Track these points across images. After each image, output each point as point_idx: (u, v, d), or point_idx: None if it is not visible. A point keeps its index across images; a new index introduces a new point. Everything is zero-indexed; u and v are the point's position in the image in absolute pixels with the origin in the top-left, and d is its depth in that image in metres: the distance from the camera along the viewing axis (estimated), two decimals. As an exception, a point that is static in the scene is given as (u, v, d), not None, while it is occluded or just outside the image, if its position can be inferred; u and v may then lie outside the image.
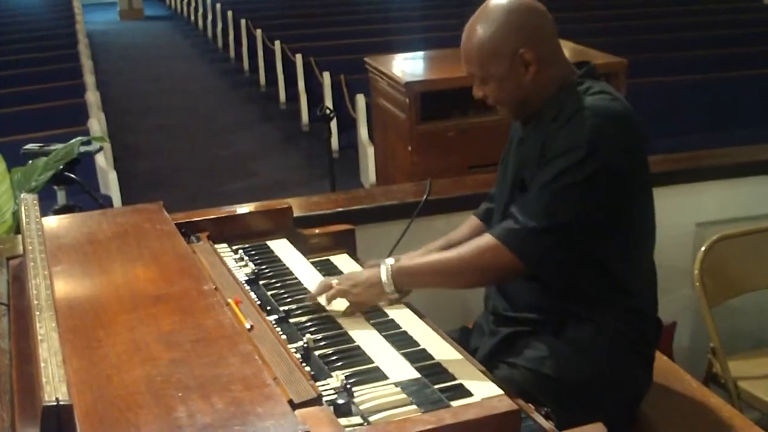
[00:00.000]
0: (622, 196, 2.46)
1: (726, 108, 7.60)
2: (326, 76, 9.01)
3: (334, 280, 2.61)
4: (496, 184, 2.85)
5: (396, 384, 2.14)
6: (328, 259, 3.08)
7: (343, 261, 3.05)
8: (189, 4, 19.56)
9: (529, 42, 2.53)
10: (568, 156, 2.41)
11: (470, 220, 3.03)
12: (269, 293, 2.69)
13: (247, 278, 2.75)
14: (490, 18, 2.55)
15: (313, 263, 2.95)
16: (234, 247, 3.00)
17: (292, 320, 2.50)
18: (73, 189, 4.10)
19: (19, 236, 2.84)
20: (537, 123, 2.60)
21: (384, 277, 2.55)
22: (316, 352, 2.30)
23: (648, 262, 2.64)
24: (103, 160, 6.60)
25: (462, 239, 2.82)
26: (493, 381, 2.20)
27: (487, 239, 2.50)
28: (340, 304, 2.58)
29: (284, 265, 2.91)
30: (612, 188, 2.43)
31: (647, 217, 2.60)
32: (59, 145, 4.10)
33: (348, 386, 2.10)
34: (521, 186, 2.58)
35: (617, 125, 2.44)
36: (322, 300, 2.59)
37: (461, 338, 2.70)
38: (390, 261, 2.59)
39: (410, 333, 2.47)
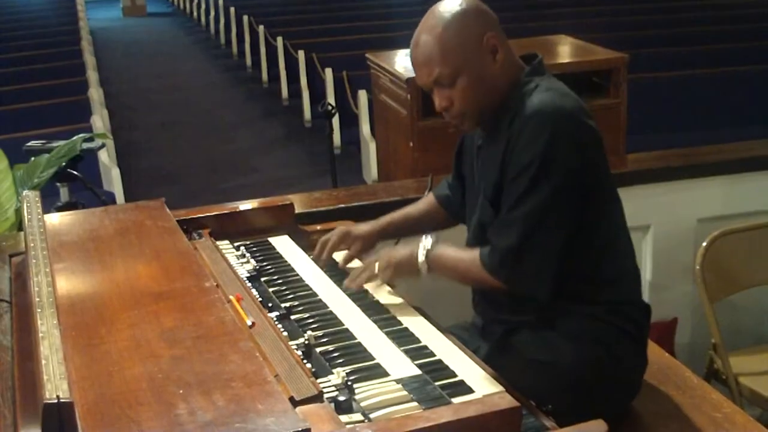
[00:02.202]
0: (588, 194, 2.46)
1: (728, 103, 7.59)
2: (328, 73, 9.01)
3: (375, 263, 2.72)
4: (466, 192, 2.83)
5: (397, 381, 2.14)
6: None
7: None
8: (191, 0, 19.55)
9: (491, 27, 2.49)
10: (528, 172, 2.40)
11: (427, 200, 3.06)
12: (271, 290, 2.69)
13: (248, 275, 2.76)
14: (444, 17, 2.47)
15: (314, 260, 2.95)
16: (236, 244, 3.01)
17: (293, 317, 2.50)
18: (76, 186, 4.10)
19: (22, 233, 2.84)
20: (493, 129, 2.57)
21: (421, 258, 2.63)
22: (318, 349, 2.31)
23: (623, 250, 2.63)
24: (105, 157, 6.61)
25: (420, 216, 3.03)
26: (495, 377, 2.21)
27: (479, 263, 2.53)
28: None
29: (286, 261, 2.92)
30: (577, 189, 2.43)
31: (614, 206, 2.60)
32: (62, 142, 4.10)
33: (349, 383, 2.10)
34: (490, 199, 2.57)
35: (567, 125, 2.41)
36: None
37: (462, 334, 2.71)
38: (430, 242, 2.65)
39: (411, 329, 2.48)
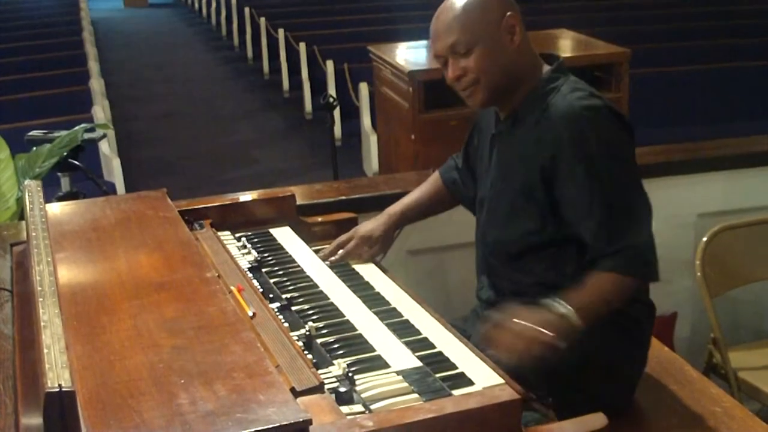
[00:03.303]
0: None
1: (729, 99, 7.59)
2: (329, 65, 9.00)
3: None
4: (478, 178, 2.84)
5: (398, 372, 2.14)
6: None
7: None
8: (193, -9, 19.57)
9: (511, 8, 2.57)
10: (590, 178, 2.43)
11: (435, 182, 3.08)
12: (272, 281, 2.70)
13: (249, 266, 2.76)
14: None
15: (315, 251, 2.96)
16: (237, 235, 3.01)
17: (294, 308, 2.51)
18: (77, 176, 4.10)
19: (23, 222, 2.84)
20: (515, 121, 2.61)
21: (574, 319, 2.37)
22: (318, 340, 2.31)
23: None
24: (106, 147, 6.61)
25: (429, 200, 3.06)
26: (495, 370, 2.21)
27: (609, 275, 2.43)
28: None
29: (287, 253, 2.92)
30: (634, 171, 2.53)
31: None
32: (63, 132, 4.10)
33: (350, 374, 2.10)
34: (526, 194, 2.57)
35: (608, 120, 2.48)
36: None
37: (462, 325, 2.71)
38: (566, 306, 2.38)
39: (412, 321, 2.47)
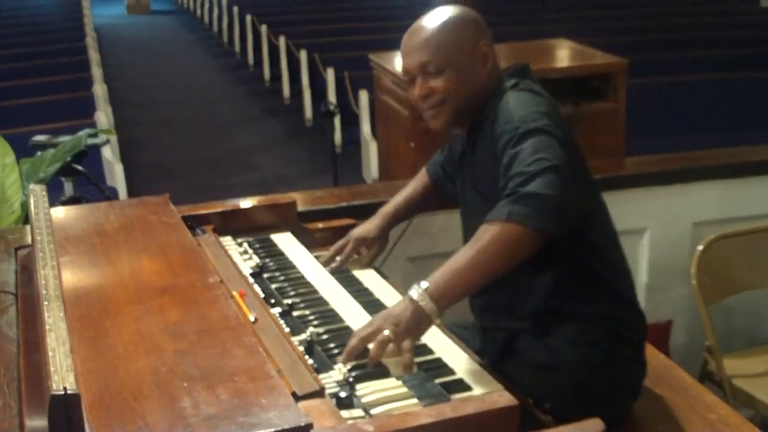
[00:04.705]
0: (576, 171, 2.39)
1: (726, 109, 7.61)
2: (330, 72, 9.03)
3: (368, 328, 2.23)
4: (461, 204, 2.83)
5: (397, 378, 2.17)
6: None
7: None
8: (195, -2, 19.60)
9: (486, 37, 2.60)
10: (515, 138, 2.34)
11: (422, 179, 3.11)
12: (273, 286, 2.72)
13: (251, 271, 2.78)
14: (445, 16, 2.59)
15: (316, 257, 2.98)
16: (239, 241, 3.03)
17: (295, 313, 2.53)
18: (80, 180, 4.13)
19: (28, 226, 2.87)
20: (476, 134, 2.61)
21: (427, 306, 2.22)
22: (319, 345, 2.33)
23: (618, 257, 2.64)
24: (109, 153, 6.64)
25: (420, 197, 3.08)
26: (493, 375, 2.23)
27: (496, 225, 2.23)
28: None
29: (288, 258, 2.94)
30: (564, 139, 2.38)
31: (604, 214, 2.62)
32: (67, 137, 4.13)
33: (350, 379, 2.12)
34: (488, 196, 2.48)
35: (540, 104, 2.45)
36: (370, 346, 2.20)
37: (461, 332, 2.72)
38: (424, 285, 2.25)
39: (411, 327, 2.49)
